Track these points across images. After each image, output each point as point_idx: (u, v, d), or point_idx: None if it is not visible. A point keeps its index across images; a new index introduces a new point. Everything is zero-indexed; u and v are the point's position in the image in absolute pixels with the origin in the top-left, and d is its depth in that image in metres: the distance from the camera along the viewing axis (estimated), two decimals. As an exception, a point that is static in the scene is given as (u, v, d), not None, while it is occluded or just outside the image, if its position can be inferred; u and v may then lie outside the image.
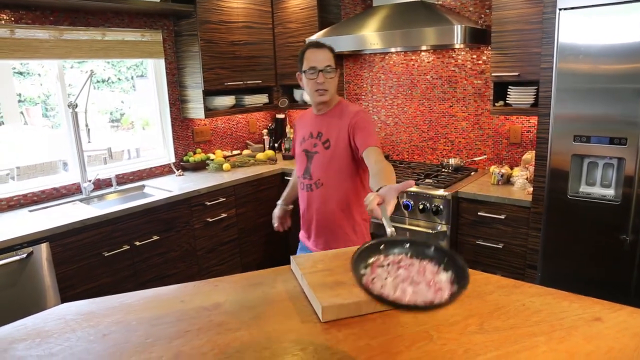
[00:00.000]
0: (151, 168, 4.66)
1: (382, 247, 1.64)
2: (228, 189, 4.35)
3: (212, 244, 4.30)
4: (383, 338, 1.67)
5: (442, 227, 3.67)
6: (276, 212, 3.00)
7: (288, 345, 1.64)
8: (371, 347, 1.62)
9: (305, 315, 1.79)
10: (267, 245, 4.78)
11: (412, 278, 1.52)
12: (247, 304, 1.88)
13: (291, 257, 2.12)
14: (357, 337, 1.67)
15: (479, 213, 3.60)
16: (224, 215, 4.33)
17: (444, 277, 1.52)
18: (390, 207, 1.76)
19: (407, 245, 1.65)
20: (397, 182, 1.95)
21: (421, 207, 3.73)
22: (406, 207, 3.78)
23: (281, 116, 5.57)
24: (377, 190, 1.88)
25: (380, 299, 1.41)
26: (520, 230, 3.47)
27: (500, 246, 3.56)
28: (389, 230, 1.68)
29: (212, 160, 4.90)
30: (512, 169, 4.07)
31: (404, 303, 1.42)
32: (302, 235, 2.78)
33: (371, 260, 1.61)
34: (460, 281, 1.47)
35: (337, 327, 1.73)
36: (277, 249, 4.86)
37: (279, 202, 3.00)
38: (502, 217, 3.51)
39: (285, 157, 5.22)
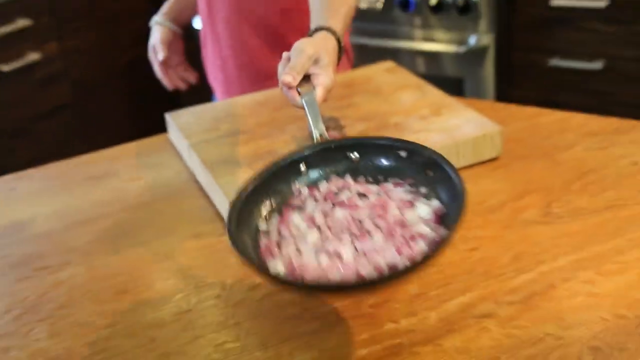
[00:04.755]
0: None
1: (302, 167, 0.90)
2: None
3: (19, 118, 2.31)
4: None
5: (482, 38, 2.13)
6: (158, 37, 1.55)
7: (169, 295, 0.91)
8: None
9: (199, 223, 1.07)
10: (136, 113, 2.67)
11: (361, 224, 0.80)
12: (82, 216, 1.12)
13: (167, 115, 1.27)
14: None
15: (551, 2, 2.07)
16: (34, 55, 2.30)
17: (425, 211, 0.80)
18: (323, 90, 0.94)
19: (355, 153, 0.89)
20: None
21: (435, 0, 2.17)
22: (405, 3, 2.18)
23: None
24: (315, 31, 0.99)
25: (280, 280, 0.73)
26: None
27: (597, 66, 2.06)
28: (316, 132, 0.91)
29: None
30: None
31: (333, 282, 0.72)
32: (212, 79, 1.59)
33: (276, 200, 0.86)
34: (453, 212, 0.74)
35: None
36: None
37: (157, 18, 1.57)
38: (602, 4, 1.99)
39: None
